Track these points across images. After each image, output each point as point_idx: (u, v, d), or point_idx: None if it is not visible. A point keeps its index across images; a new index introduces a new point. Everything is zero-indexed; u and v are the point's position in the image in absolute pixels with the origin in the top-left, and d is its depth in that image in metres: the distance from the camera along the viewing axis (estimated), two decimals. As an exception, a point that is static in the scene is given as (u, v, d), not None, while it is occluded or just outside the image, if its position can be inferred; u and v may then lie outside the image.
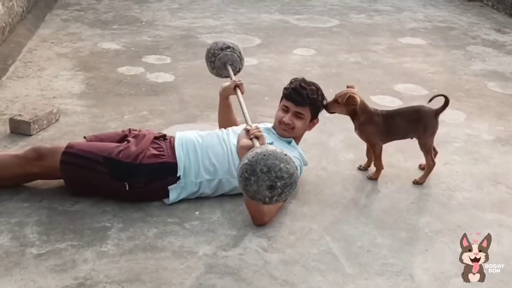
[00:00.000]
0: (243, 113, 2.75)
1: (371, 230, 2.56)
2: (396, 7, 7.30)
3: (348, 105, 2.90)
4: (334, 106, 2.94)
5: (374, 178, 3.01)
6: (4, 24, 4.80)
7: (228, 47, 3.26)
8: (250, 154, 2.22)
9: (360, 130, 3.00)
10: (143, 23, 5.97)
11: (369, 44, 5.58)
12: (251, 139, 2.48)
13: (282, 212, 2.66)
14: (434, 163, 3.00)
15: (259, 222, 2.55)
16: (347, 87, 3.00)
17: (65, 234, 2.42)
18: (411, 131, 3.00)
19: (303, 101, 2.84)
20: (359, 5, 7.34)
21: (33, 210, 2.58)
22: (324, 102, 2.94)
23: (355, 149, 3.29)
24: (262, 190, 2.17)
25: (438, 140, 3.46)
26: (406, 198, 2.84)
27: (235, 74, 3.23)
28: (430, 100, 3.06)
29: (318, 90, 2.90)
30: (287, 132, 2.87)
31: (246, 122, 2.66)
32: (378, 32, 6.04)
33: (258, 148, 2.26)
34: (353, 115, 2.97)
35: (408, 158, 3.24)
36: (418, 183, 2.98)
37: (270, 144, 2.69)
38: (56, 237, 2.39)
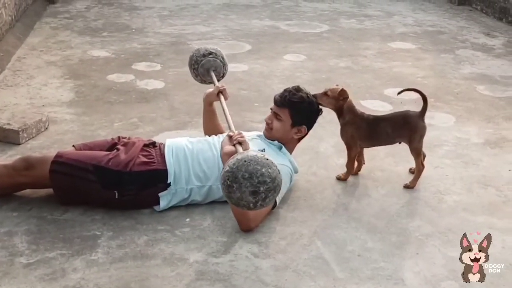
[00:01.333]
0: (226, 119, 2.76)
1: (362, 235, 2.56)
2: (386, 12, 7.34)
3: (338, 98, 2.91)
4: (322, 98, 2.94)
5: (343, 179, 3.02)
6: (-7, 33, 4.79)
7: (211, 53, 3.25)
8: (231, 161, 2.22)
9: (342, 130, 3.01)
10: (133, 30, 5.96)
11: (359, 49, 5.60)
12: (234, 145, 2.49)
13: (273, 218, 2.65)
14: (423, 167, 3.01)
15: (246, 227, 2.54)
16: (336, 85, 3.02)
17: (55, 243, 2.40)
18: (398, 137, 3.01)
19: (282, 103, 2.84)
20: (349, 10, 7.38)
21: (22, 219, 2.56)
22: (314, 117, 2.93)
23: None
24: (246, 196, 2.17)
25: (427, 143, 3.48)
26: (397, 202, 2.85)
27: (219, 80, 3.23)
28: (399, 93, 3.07)
29: (305, 99, 2.86)
30: (267, 132, 2.90)
31: (230, 128, 2.67)
32: (368, 37, 6.07)
33: (239, 154, 2.26)
34: (339, 113, 2.98)
35: (399, 162, 3.25)
36: (408, 187, 2.98)
37: (262, 151, 2.69)
38: (45, 246, 2.38)
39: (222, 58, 3.29)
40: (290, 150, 2.92)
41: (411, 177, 3.03)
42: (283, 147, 2.87)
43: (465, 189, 3.01)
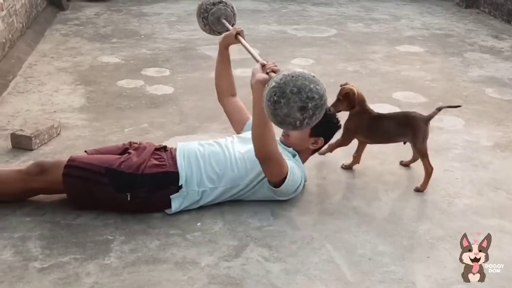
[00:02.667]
0: (251, 53, 2.74)
1: (372, 238, 2.57)
2: (393, 15, 7.35)
3: (347, 99, 3.01)
4: (338, 105, 3.03)
5: (321, 153, 3.11)
6: (4, 40, 4.84)
7: (221, 1, 3.24)
8: (277, 77, 2.14)
9: (347, 119, 3.08)
10: (142, 36, 6.01)
11: (367, 52, 5.62)
12: (267, 73, 2.43)
13: (283, 221, 2.67)
14: (432, 168, 3.01)
15: (264, 155, 2.53)
16: (341, 85, 3.12)
17: (68, 248, 2.43)
18: (399, 135, 3.06)
19: None
20: (356, 14, 7.39)
21: (36, 224, 2.59)
22: (334, 130, 3.00)
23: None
24: (293, 112, 2.11)
25: (437, 146, 3.50)
26: (407, 206, 2.86)
27: (227, 31, 3.17)
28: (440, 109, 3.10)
29: (327, 111, 2.87)
30: (284, 137, 2.91)
31: (257, 60, 2.62)
32: (376, 41, 6.08)
33: (285, 71, 2.18)
34: (352, 107, 3.06)
35: (409, 166, 3.25)
36: (419, 190, 2.99)
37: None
38: (59, 251, 2.40)
39: (232, 7, 3.28)
40: (303, 160, 2.93)
41: (421, 180, 3.04)
42: (297, 155, 2.88)
43: (475, 192, 3.01)
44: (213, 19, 3.23)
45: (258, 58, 2.64)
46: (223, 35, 3.10)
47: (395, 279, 2.29)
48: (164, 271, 2.30)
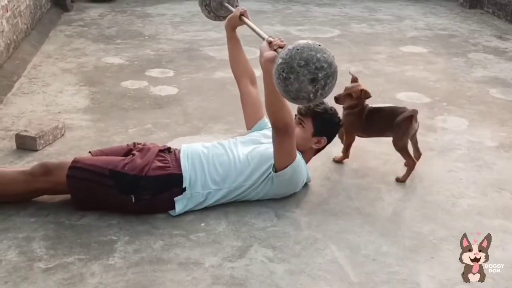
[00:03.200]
0: (256, 31, 2.73)
1: (376, 239, 2.57)
2: (397, 16, 7.35)
3: (362, 98, 3.09)
4: (346, 99, 3.10)
5: (337, 160, 3.22)
6: (9, 41, 4.86)
7: None
8: (283, 53, 2.11)
9: (345, 117, 3.12)
10: (146, 37, 6.02)
11: (371, 53, 5.62)
12: (275, 50, 2.41)
13: (287, 222, 2.67)
14: (414, 162, 3.07)
15: (283, 127, 2.54)
16: (352, 80, 3.18)
17: (72, 248, 2.43)
18: (387, 130, 3.11)
19: (306, 111, 2.92)
20: (359, 14, 7.39)
21: (40, 224, 2.60)
22: (336, 129, 3.01)
23: (359, 158, 3.31)
24: (305, 86, 2.08)
25: (441, 147, 3.50)
26: (410, 206, 2.85)
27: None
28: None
29: (328, 111, 2.95)
30: None
31: (263, 38, 2.59)
32: (379, 41, 6.08)
33: (289, 45, 2.15)
34: (357, 106, 3.12)
35: (412, 166, 3.25)
36: (399, 180, 3.05)
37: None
38: (63, 251, 2.41)
39: None
40: (306, 161, 2.94)
41: (425, 181, 3.04)
42: (301, 155, 2.88)
43: (479, 192, 3.01)
44: (216, 5, 3.24)
45: (264, 35, 2.60)
46: (227, 18, 3.10)
47: (399, 280, 2.29)
48: (168, 272, 2.30)
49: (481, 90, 4.60)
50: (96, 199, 2.67)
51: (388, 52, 5.67)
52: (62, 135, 3.54)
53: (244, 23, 2.98)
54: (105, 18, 6.82)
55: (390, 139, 3.10)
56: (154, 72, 4.86)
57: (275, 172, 2.71)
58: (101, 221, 2.63)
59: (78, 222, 2.63)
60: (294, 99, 2.17)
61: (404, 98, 4.37)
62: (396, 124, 3.04)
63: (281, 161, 2.69)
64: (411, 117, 3.04)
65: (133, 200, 2.63)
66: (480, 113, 4.11)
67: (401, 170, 3.20)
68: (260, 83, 2.71)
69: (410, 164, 3.06)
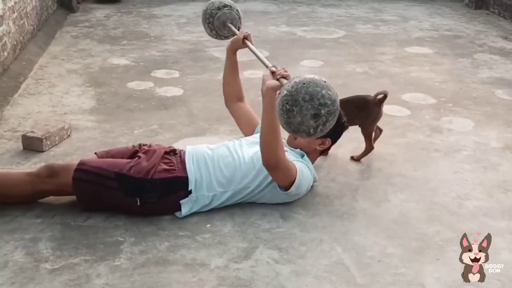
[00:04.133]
0: (260, 58, 2.73)
1: (382, 240, 2.57)
2: (402, 16, 7.34)
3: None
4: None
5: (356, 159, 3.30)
6: (15, 42, 4.88)
7: (225, 5, 3.23)
8: (288, 85, 2.12)
9: None
10: (152, 38, 6.03)
11: (376, 54, 5.61)
12: (278, 79, 2.42)
13: (293, 223, 2.67)
14: (372, 147, 3.26)
15: (270, 156, 2.53)
16: None
17: (78, 249, 2.44)
18: (357, 118, 3.20)
19: None
20: (365, 15, 7.39)
21: (46, 225, 2.61)
22: (341, 130, 2.98)
23: (364, 159, 3.30)
24: (307, 120, 2.10)
25: (447, 148, 3.50)
26: (416, 207, 2.85)
27: (233, 35, 3.19)
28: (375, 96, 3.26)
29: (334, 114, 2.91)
30: (290, 139, 2.93)
31: (266, 66, 2.60)
32: (385, 42, 6.07)
33: (295, 78, 2.17)
34: None
35: (417, 168, 3.25)
36: (353, 159, 3.26)
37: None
38: (69, 252, 2.42)
39: (237, 10, 3.27)
40: (312, 161, 2.94)
41: (431, 183, 3.04)
42: (306, 155, 2.88)
43: (485, 194, 3.00)
44: (219, 24, 3.23)
45: (267, 63, 2.62)
46: (230, 39, 3.10)
47: (404, 281, 2.29)
48: (174, 273, 2.31)
49: (487, 91, 4.59)
50: (102, 202, 2.68)
51: (394, 53, 5.67)
52: (68, 136, 3.55)
53: (247, 47, 2.99)
54: (111, 19, 6.84)
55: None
56: (160, 73, 4.87)
57: (285, 191, 2.72)
58: (107, 222, 2.64)
59: (84, 223, 2.64)
60: (293, 132, 2.18)
61: (410, 99, 4.36)
62: (368, 111, 3.19)
63: (282, 184, 2.70)
64: (382, 101, 3.21)
65: (139, 203, 2.64)
66: (486, 114, 4.10)
67: (407, 172, 3.20)
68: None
69: (368, 148, 3.25)
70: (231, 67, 3.15)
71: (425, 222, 2.73)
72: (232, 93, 3.17)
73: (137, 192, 2.63)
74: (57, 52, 5.39)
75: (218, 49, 5.50)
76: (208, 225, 2.64)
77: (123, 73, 4.86)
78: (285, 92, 2.13)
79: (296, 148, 2.90)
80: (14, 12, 4.90)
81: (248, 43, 2.98)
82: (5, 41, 4.57)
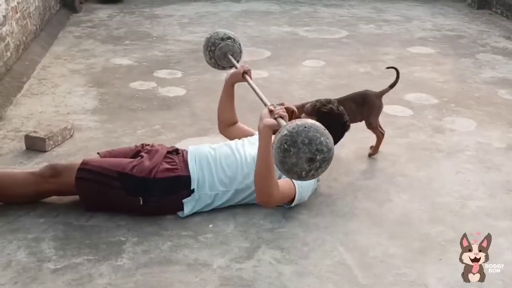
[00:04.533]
0: (259, 95, 2.76)
1: (384, 240, 2.56)
2: (405, 16, 7.33)
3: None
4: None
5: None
6: (18, 42, 4.88)
7: (229, 37, 3.27)
8: (290, 126, 2.18)
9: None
10: (154, 38, 6.04)
11: (379, 54, 5.61)
12: (275, 118, 2.47)
13: (295, 223, 2.67)
14: (383, 133, 3.35)
15: (266, 200, 2.59)
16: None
17: (81, 249, 2.45)
18: (359, 114, 3.27)
19: (311, 111, 2.93)
20: (367, 15, 7.38)
21: (49, 225, 2.61)
22: (339, 129, 2.94)
23: (367, 160, 3.31)
24: (301, 163, 2.14)
25: (449, 148, 3.50)
26: (419, 208, 2.85)
27: (230, 67, 3.23)
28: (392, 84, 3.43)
29: (334, 111, 2.93)
30: None
31: (265, 103, 2.64)
32: (387, 42, 6.07)
33: (297, 120, 2.23)
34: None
35: (420, 168, 3.25)
36: (371, 155, 3.32)
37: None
38: (72, 252, 2.42)
39: (239, 45, 3.31)
40: None
41: (435, 183, 3.03)
42: None
43: (487, 194, 3.00)
44: (220, 54, 3.27)
45: (266, 101, 2.68)
46: (230, 72, 3.12)
47: (407, 282, 2.29)
48: (176, 273, 2.31)
49: (489, 91, 4.58)
50: (105, 201, 2.68)
51: (396, 53, 5.66)
52: (71, 136, 3.56)
53: (246, 81, 3.00)
54: (113, 19, 6.84)
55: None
56: (162, 73, 4.87)
57: (287, 205, 2.76)
58: (110, 222, 2.64)
59: (87, 223, 2.64)
60: (286, 171, 2.22)
61: (412, 99, 4.36)
62: (369, 105, 3.27)
63: (282, 204, 2.73)
64: (381, 96, 3.34)
65: (141, 202, 2.64)
66: (489, 114, 4.10)
67: (410, 172, 3.20)
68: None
69: (380, 136, 3.33)
70: (228, 98, 3.18)
71: (427, 222, 2.72)
72: (227, 121, 3.19)
73: (140, 191, 2.64)
74: (60, 52, 5.40)
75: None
76: (211, 225, 2.65)
77: (125, 73, 4.86)
78: (285, 131, 2.18)
79: None
80: (17, 12, 4.91)
81: (248, 78, 3.01)
82: (8, 41, 4.57)
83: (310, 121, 2.21)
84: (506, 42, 6.10)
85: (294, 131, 2.15)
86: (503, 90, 4.61)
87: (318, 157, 2.14)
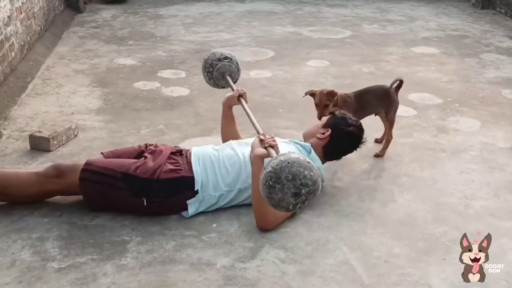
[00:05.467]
0: (252, 121, 2.81)
1: (388, 240, 2.56)
2: (409, 16, 7.32)
3: (330, 99, 3.19)
4: (326, 110, 3.17)
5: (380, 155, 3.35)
6: (23, 43, 4.90)
7: (226, 57, 3.31)
8: (273, 162, 2.23)
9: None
10: (158, 38, 6.05)
11: (382, 54, 5.60)
12: (265, 148, 2.51)
13: (299, 223, 2.67)
14: (392, 138, 3.37)
15: (263, 226, 2.59)
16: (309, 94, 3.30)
17: (85, 248, 2.45)
18: (379, 107, 3.34)
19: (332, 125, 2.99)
20: (371, 15, 7.37)
21: (54, 225, 2.62)
22: (342, 128, 2.97)
23: (371, 159, 3.31)
24: (287, 198, 2.20)
25: (453, 148, 3.49)
26: (423, 208, 2.84)
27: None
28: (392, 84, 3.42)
29: (349, 126, 2.97)
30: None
31: (257, 131, 2.70)
32: (391, 42, 6.06)
33: (281, 155, 2.27)
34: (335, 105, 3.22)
35: (424, 168, 3.24)
36: (379, 156, 3.33)
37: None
38: (76, 251, 2.43)
39: (237, 63, 3.35)
40: (319, 156, 2.92)
41: (437, 183, 3.03)
42: (312, 151, 2.88)
43: (491, 194, 2.99)
44: (218, 75, 3.31)
45: (258, 128, 2.72)
46: (226, 96, 3.14)
47: (411, 282, 2.29)
48: (180, 272, 2.32)
49: (493, 91, 4.57)
50: (108, 201, 2.69)
51: (400, 53, 5.66)
52: (75, 136, 3.56)
53: (241, 105, 3.03)
54: (117, 20, 6.85)
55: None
56: (166, 73, 4.88)
57: None
58: (114, 222, 2.65)
59: (91, 222, 2.65)
60: (274, 206, 2.27)
61: (416, 99, 4.35)
62: (389, 100, 3.33)
63: (286, 219, 2.72)
64: (398, 89, 3.38)
65: (145, 203, 2.65)
66: (493, 114, 4.09)
67: (413, 172, 3.20)
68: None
69: (390, 139, 3.36)
70: (228, 120, 3.20)
71: (431, 222, 2.72)
72: (230, 139, 3.19)
73: (144, 192, 2.64)
74: (64, 53, 5.41)
75: (224, 49, 5.50)
76: (214, 225, 2.65)
77: (129, 73, 4.87)
78: (269, 168, 2.22)
79: (305, 143, 2.92)
80: (21, 13, 4.92)
81: (243, 101, 3.03)
82: (12, 42, 4.59)
83: (294, 156, 2.25)
84: (510, 42, 6.08)
85: (278, 167, 2.19)
86: (507, 90, 4.60)
87: (303, 191, 2.19)
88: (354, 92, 3.36)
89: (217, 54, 3.33)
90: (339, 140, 2.96)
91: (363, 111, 3.31)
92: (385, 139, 3.37)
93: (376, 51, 5.71)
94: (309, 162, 2.25)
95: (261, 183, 2.25)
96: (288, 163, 2.20)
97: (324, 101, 3.18)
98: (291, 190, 2.18)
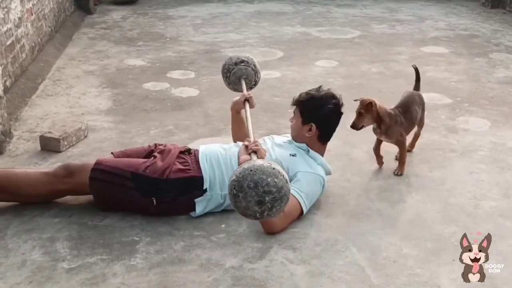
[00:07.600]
0: (247, 127, 2.81)
1: (397, 241, 2.56)
2: (418, 16, 7.30)
3: (369, 110, 3.00)
4: (360, 120, 3.01)
5: (401, 172, 3.14)
6: (33, 44, 4.94)
7: (242, 61, 3.30)
8: (238, 170, 2.23)
9: (388, 133, 3.10)
10: (167, 39, 6.07)
11: (391, 54, 5.59)
12: (249, 153, 2.51)
13: (307, 224, 2.68)
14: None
15: (269, 230, 2.58)
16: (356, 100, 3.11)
17: (95, 249, 2.47)
18: (421, 112, 3.31)
19: (295, 102, 2.92)
20: (380, 15, 7.35)
21: (64, 225, 2.64)
22: (322, 112, 2.84)
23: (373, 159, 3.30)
24: (251, 206, 2.19)
25: (463, 148, 3.48)
26: (432, 208, 2.84)
27: (251, 88, 3.29)
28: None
29: (314, 96, 2.86)
30: (291, 131, 2.96)
31: (249, 136, 2.70)
32: (400, 42, 6.04)
33: (246, 163, 2.27)
34: (379, 121, 3.06)
35: (433, 168, 3.23)
36: (397, 174, 3.15)
37: (293, 155, 2.76)
38: (86, 252, 2.45)
39: (254, 66, 3.32)
40: (319, 153, 2.90)
41: (447, 184, 3.02)
42: (310, 150, 2.87)
43: (501, 194, 2.97)
44: (235, 79, 3.31)
45: (250, 133, 2.72)
46: (233, 100, 3.15)
47: (420, 282, 2.28)
48: (189, 272, 2.33)
49: (503, 91, 4.55)
50: (118, 201, 2.70)
51: (409, 52, 5.64)
52: (85, 136, 3.59)
53: (244, 109, 3.02)
54: (127, 21, 6.89)
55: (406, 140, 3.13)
56: (176, 74, 4.90)
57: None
58: (123, 222, 2.67)
59: (100, 223, 2.67)
60: (242, 214, 2.27)
61: (425, 99, 4.29)
62: (424, 104, 3.35)
63: (292, 221, 2.69)
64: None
65: (155, 203, 2.66)
66: (503, 114, 4.07)
67: (422, 172, 3.19)
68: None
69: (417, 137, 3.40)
70: (237, 124, 3.20)
71: (440, 223, 2.71)
72: (241, 140, 3.19)
73: (153, 192, 2.66)
74: (74, 54, 5.45)
75: (234, 50, 5.52)
76: (223, 225, 2.66)
77: (139, 74, 4.89)
78: (233, 177, 2.22)
79: (298, 143, 2.88)
80: (32, 14, 4.96)
81: (247, 106, 3.02)
82: (23, 43, 4.63)
83: (258, 163, 2.23)
84: (521, 41, 6.05)
85: (241, 175, 2.19)
86: (518, 89, 4.57)
87: (267, 198, 2.17)
88: (397, 108, 3.17)
89: (234, 58, 3.33)
90: (327, 124, 2.88)
91: (412, 125, 3.28)
92: (415, 137, 3.39)
93: (385, 51, 5.70)
94: (273, 168, 2.21)
95: (228, 192, 2.26)
96: (251, 170, 2.18)
97: (359, 108, 3.02)
98: (254, 198, 2.16)
